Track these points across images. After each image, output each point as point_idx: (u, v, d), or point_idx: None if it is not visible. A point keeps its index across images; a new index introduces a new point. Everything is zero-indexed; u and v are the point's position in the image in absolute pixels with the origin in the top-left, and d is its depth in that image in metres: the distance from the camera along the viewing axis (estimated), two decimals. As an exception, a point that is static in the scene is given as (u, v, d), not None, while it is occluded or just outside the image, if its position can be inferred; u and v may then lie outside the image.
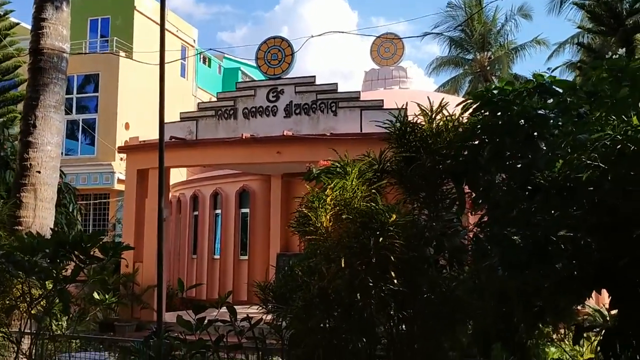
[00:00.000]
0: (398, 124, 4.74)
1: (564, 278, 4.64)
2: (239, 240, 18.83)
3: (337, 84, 14.56)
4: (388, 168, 4.73)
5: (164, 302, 11.92)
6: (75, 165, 22.33)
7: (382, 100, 14.10)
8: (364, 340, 4.27)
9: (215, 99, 15.90)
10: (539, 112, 4.52)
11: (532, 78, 5.04)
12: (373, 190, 4.25)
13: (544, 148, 4.45)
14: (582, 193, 3.97)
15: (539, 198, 4.28)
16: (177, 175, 21.68)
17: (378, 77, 22.61)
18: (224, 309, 4.85)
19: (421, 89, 24.36)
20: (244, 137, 14.25)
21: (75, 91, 24.32)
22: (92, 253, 5.28)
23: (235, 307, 4.93)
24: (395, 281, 4.01)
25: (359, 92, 14.94)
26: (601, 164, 3.87)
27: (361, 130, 13.63)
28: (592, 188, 3.96)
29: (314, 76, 14.79)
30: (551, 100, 4.98)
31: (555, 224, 3.99)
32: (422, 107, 4.73)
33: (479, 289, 10.27)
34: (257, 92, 14.86)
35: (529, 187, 4.40)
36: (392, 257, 3.97)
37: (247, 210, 18.80)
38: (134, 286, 15.05)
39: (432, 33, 31.04)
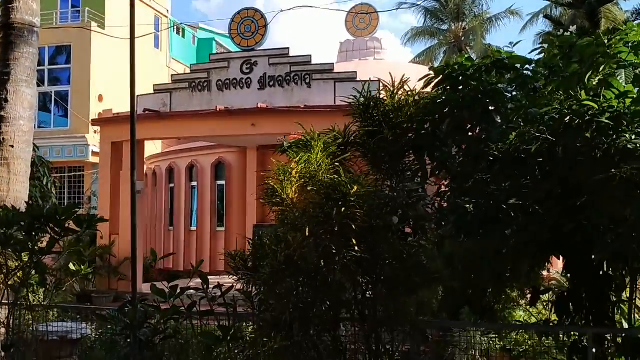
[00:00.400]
0: (362, 99, 4.93)
1: (520, 243, 4.94)
2: (215, 212, 19.00)
3: (310, 55, 14.64)
4: (352, 141, 4.93)
5: (140, 273, 12.11)
6: (48, 137, 22.13)
7: (355, 72, 14.23)
8: (329, 303, 4.52)
9: (189, 71, 15.89)
10: (496, 86, 4.74)
11: (497, 50, 5.26)
12: (337, 163, 4.44)
13: (499, 121, 4.69)
14: (531, 164, 4.22)
15: (496, 168, 4.53)
16: (152, 147, 21.65)
17: (353, 48, 22.65)
18: (200, 279, 5.05)
19: (397, 59, 24.50)
20: (218, 110, 14.31)
21: (47, 63, 23.93)
22: (67, 225, 5.43)
23: (212, 277, 5.13)
24: (357, 248, 4.24)
25: (333, 64, 15.04)
26: (549, 136, 4.11)
27: (335, 103, 13.78)
28: (541, 159, 4.22)
29: (288, 48, 14.84)
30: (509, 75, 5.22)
31: (505, 193, 4.24)
32: (385, 83, 4.92)
33: (447, 255, 10.69)
34: (230, 64, 14.88)
35: (489, 159, 4.63)
36: (353, 226, 4.19)
37: (223, 182, 18.93)
38: (110, 258, 15.19)
39: (406, 3, 31.05)
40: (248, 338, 4.56)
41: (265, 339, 4.30)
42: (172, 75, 15.80)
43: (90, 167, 22.74)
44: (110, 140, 15.85)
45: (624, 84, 3.96)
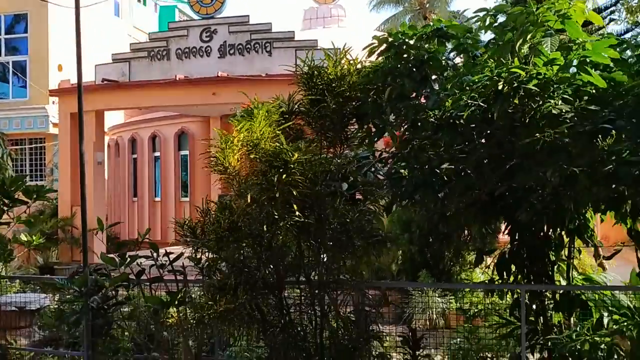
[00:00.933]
0: (306, 68, 5.01)
1: (465, 206, 5.13)
2: (179, 183, 18.95)
3: (271, 23, 14.53)
4: (296, 110, 5.02)
5: (103, 244, 12.08)
6: (7, 109, 21.63)
7: (316, 40, 14.20)
8: (272, 267, 4.66)
9: (148, 40, 15.66)
10: (434, 54, 4.86)
11: (438, 20, 5.37)
12: (278, 131, 4.54)
13: (437, 89, 4.82)
14: (466, 130, 4.37)
15: (438, 135, 4.66)
16: (116, 117, 21.35)
17: (317, 15, 22.54)
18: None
19: (361, 27, 24.43)
20: (177, 79, 14.19)
21: (3, 32, 23.25)
22: (16, 196, 5.45)
23: (176, 247, 5.25)
24: (298, 213, 4.36)
25: (293, 31, 14.96)
26: (482, 103, 4.26)
27: (296, 71, 13.74)
28: (474, 125, 4.38)
29: (248, 15, 14.70)
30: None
31: (439, 159, 4.40)
32: (327, 52, 5.00)
33: (406, 221, 10.85)
34: (190, 32, 14.71)
35: (435, 126, 4.74)
36: (294, 192, 4.31)
37: (186, 152, 18.85)
38: (72, 230, 15.11)
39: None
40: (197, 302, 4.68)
41: (210, 303, 4.44)
42: (130, 44, 15.56)
43: (52, 139, 22.33)
44: (69, 111, 15.61)
45: (549, 52, 4.11)
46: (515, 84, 4.08)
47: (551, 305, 5.89)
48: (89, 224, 14.82)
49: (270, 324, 4.64)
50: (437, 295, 11.18)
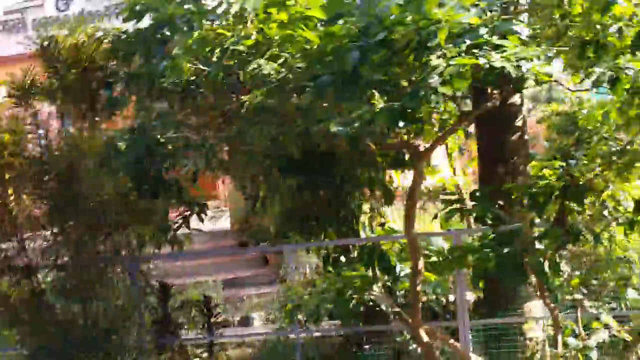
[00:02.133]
0: (40, 40, 4.75)
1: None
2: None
3: (133, -14, 13.90)
4: (34, 85, 4.76)
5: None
6: None
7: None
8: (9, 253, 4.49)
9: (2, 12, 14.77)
10: (170, 18, 4.65)
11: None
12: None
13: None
14: (189, 94, 4.24)
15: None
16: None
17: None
18: None
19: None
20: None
21: None
22: None
23: None
24: (11, 195, 4.17)
25: (157, -6, 14.38)
26: (202, 66, 4.12)
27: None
28: (202, 91, 4.25)
29: (104, -21, 14.01)
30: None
31: (171, 125, 4.27)
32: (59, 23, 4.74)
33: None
34: (45, 2, 13.93)
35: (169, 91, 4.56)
36: (7, 175, 4.11)
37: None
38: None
39: None
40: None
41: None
42: (-17, 18, 14.63)
43: None
44: None
45: (250, 10, 3.96)
46: (226, 46, 3.93)
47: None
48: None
49: (16, 310, 4.48)
50: (305, 253, 11.44)
